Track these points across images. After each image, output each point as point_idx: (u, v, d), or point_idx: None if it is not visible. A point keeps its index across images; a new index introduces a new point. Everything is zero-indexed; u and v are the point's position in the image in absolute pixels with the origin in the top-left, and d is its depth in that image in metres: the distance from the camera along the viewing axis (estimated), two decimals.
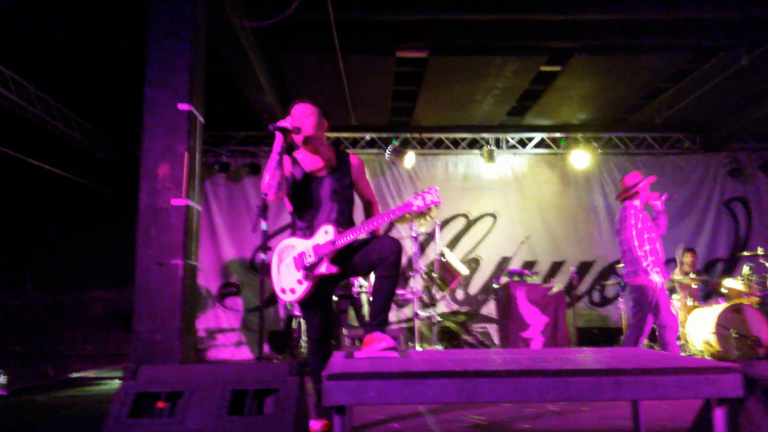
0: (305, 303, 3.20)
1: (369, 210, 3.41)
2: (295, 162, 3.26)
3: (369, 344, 2.88)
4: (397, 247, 2.98)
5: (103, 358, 7.96)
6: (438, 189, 3.00)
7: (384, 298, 3.01)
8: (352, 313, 6.49)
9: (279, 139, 3.07)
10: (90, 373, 6.70)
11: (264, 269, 3.17)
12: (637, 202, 4.98)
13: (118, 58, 6.55)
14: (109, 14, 5.59)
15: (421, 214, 5.02)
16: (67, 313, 8.42)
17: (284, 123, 3.07)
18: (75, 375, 6.53)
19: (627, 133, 8.76)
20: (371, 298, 3.08)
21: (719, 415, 2.12)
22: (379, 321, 2.99)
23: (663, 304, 4.72)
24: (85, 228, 8.68)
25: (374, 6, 5.53)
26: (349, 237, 3.01)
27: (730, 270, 8.39)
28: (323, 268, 3.05)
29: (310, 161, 3.27)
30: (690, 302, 6.50)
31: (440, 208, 6.72)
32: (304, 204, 3.23)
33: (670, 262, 8.39)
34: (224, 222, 8.53)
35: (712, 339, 5.87)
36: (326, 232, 3.08)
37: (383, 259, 2.96)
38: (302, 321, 6.43)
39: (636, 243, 4.82)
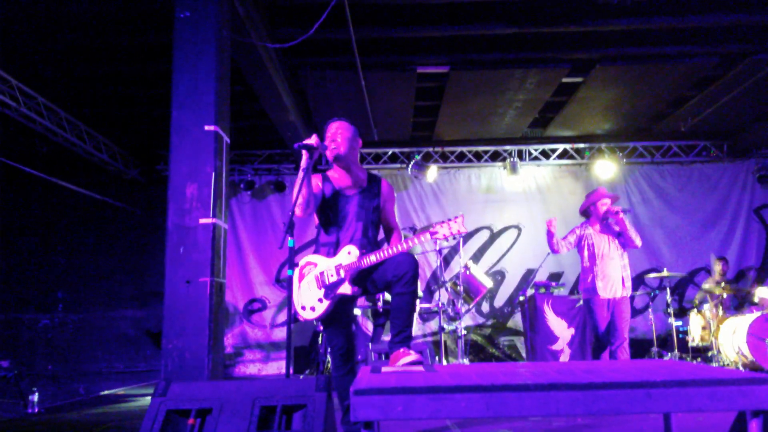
0: (326, 321, 3.22)
1: (389, 236, 3.41)
2: (326, 179, 3.29)
3: (396, 360, 2.88)
4: (413, 264, 2.99)
5: (133, 375, 8.07)
6: (464, 217, 3.06)
7: (405, 314, 3.01)
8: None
9: (305, 156, 3.09)
10: (120, 391, 6.79)
11: (291, 284, 3.18)
12: (589, 230, 5.27)
13: (144, 82, 6.71)
14: (136, 38, 5.75)
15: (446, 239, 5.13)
16: (97, 332, 8.57)
17: (309, 141, 3.08)
18: (105, 392, 6.62)
19: (652, 141, 8.66)
20: (391, 315, 3.09)
21: (754, 427, 2.08)
22: (402, 337, 2.99)
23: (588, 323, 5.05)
24: (114, 248, 8.85)
25: (394, 24, 5.59)
26: (371, 259, 3.03)
27: (762, 278, 8.20)
28: (344, 289, 3.07)
29: (340, 179, 3.29)
30: (721, 312, 6.37)
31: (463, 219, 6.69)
32: (330, 220, 3.24)
33: (700, 272, 8.29)
34: (250, 239, 8.62)
35: (745, 349, 5.74)
36: (349, 253, 3.11)
37: (400, 277, 2.96)
38: None
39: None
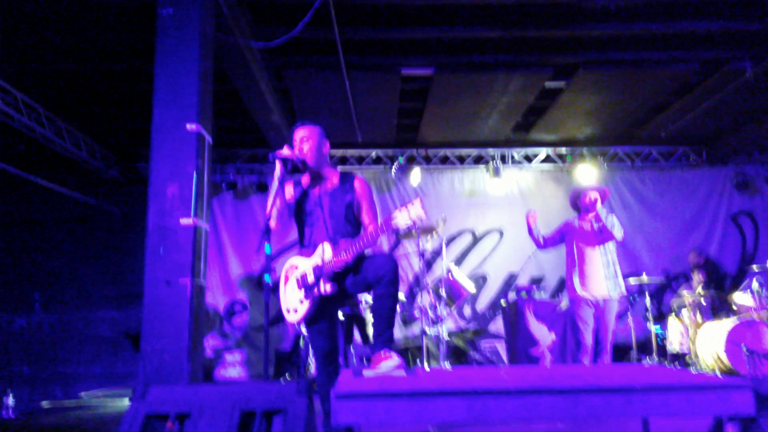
0: (309, 322, 3.22)
1: (364, 232, 3.42)
2: (297, 184, 3.37)
3: (378, 363, 2.88)
4: (392, 265, 3.00)
5: (111, 378, 7.95)
6: (422, 201, 3.01)
7: (386, 316, 3.02)
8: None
9: (278, 167, 3.17)
10: (98, 394, 6.69)
11: (269, 290, 3.20)
12: (573, 226, 5.26)
13: (125, 79, 6.63)
14: (117, 35, 5.67)
15: (410, 230, 5.09)
16: (74, 334, 8.43)
17: (282, 152, 3.18)
18: (83, 395, 6.52)
19: (633, 147, 8.75)
20: (372, 318, 3.09)
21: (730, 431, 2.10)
22: (384, 339, 3.00)
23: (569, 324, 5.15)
24: (93, 248, 8.72)
25: (379, 25, 5.58)
26: (343, 255, 3.03)
27: (738, 284, 8.33)
28: (321, 288, 3.08)
29: (312, 182, 3.36)
30: (699, 317, 6.44)
31: (446, 222, 6.70)
32: (305, 222, 3.31)
33: (679, 277, 8.38)
34: (231, 240, 8.55)
35: (723, 355, 5.81)
36: (323, 251, 3.13)
37: (380, 278, 2.97)
38: None
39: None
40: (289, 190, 3.34)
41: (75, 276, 8.61)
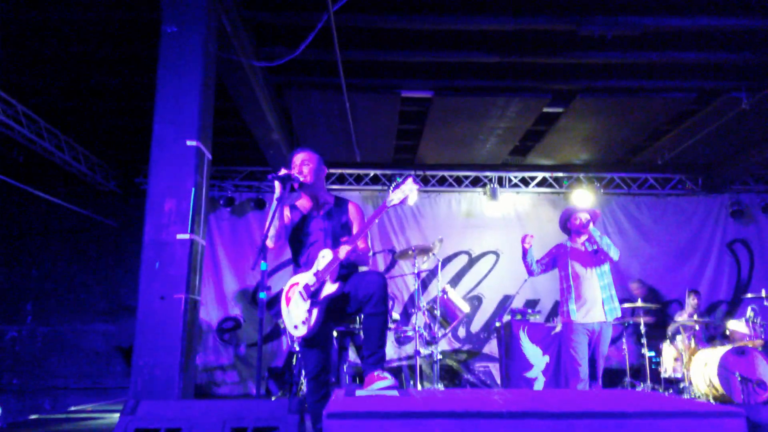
0: (308, 338, 3.21)
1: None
2: (293, 208, 3.45)
3: (370, 383, 2.87)
4: (382, 283, 3.03)
5: (101, 392, 7.88)
6: (413, 178, 3.14)
7: (377, 335, 3.03)
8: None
9: (278, 187, 3.23)
10: (88, 407, 6.62)
11: (263, 307, 3.22)
12: (567, 242, 5.16)
13: (126, 94, 6.68)
14: (120, 50, 5.73)
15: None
16: (66, 346, 8.37)
17: (282, 172, 3.25)
18: (73, 409, 6.45)
19: (629, 173, 8.81)
20: (363, 337, 3.11)
21: None
22: (376, 359, 3.00)
23: (563, 351, 4.96)
24: (88, 260, 8.70)
25: (380, 48, 5.65)
26: (344, 250, 3.09)
27: (733, 312, 8.34)
28: (328, 289, 3.09)
29: (308, 205, 3.44)
30: (693, 344, 6.45)
31: (443, 243, 6.71)
32: (302, 243, 3.37)
33: (673, 303, 8.38)
34: (227, 256, 8.54)
35: (716, 382, 5.80)
36: (324, 256, 3.17)
37: (369, 297, 3.00)
38: None
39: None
40: (287, 214, 3.41)
41: (69, 288, 8.58)
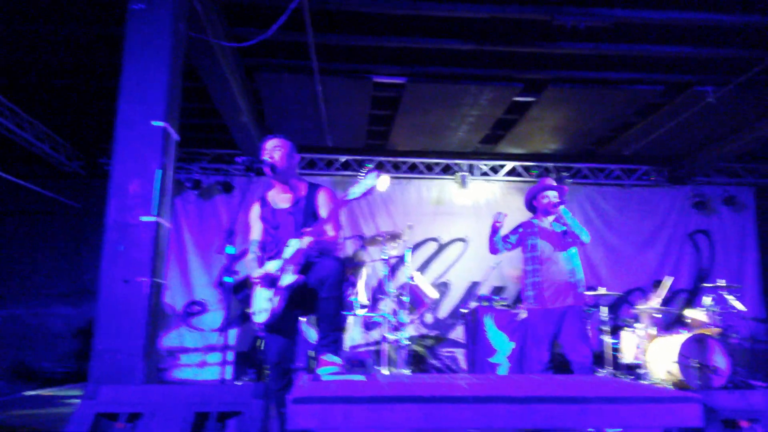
0: (271, 324, 3.20)
1: None
2: (264, 203, 3.42)
3: (320, 366, 2.95)
4: (337, 268, 3.05)
5: (62, 376, 7.72)
6: (376, 173, 3.08)
7: (329, 319, 3.07)
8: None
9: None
10: (46, 392, 6.49)
11: (229, 291, 3.20)
12: (535, 220, 4.86)
13: (91, 73, 6.49)
14: (85, 28, 5.55)
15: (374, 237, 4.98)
16: (25, 329, 8.16)
17: (247, 158, 3.31)
18: (30, 393, 6.32)
19: (596, 164, 8.95)
20: (317, 321, 3.13)
21: None
22: (328, 341, 3.04)
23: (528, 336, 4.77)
24: (49, 242, 8.48)
25: (353, 32, 5.59)
26: (306, 240, 3.08)
27: (692, 301, 8.57)
28: (288, 279, 3.08)
29: (279, 195, 3.40)
30: (653, 331, 6.60)
31: (412, 230, 6.73)
32: (271, 234, 3.35)
33: (635, 291, 8.57)
34: (194, 240, 8.42)
35: (675, 368, 5.96)
36: (290, 245, 3.15)
37: (323, 281, 3.02)
38: None
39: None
40: (257, 211, 3.41)
41: (29, 270, 8.37)
